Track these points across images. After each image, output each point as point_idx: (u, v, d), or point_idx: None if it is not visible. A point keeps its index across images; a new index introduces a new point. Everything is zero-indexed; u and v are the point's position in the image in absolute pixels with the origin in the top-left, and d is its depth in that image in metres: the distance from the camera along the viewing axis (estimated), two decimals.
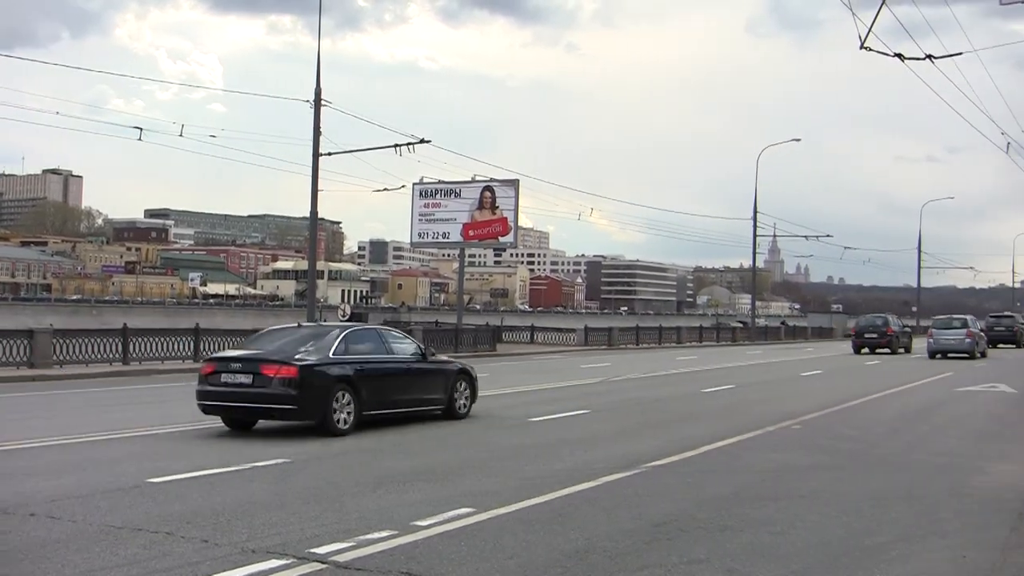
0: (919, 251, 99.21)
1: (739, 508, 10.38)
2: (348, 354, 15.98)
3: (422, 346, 18.53)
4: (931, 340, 48.19)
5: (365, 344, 16.72)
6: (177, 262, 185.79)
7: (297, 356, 15.27)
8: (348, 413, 15.45)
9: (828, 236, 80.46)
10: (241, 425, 15.86)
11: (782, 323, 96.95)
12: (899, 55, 20.56)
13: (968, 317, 52.18)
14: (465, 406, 18.27)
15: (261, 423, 16.06)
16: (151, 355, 32.05)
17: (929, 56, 21.52)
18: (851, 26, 20.80)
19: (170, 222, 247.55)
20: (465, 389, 18.40)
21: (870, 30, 18.95)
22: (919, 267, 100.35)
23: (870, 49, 19.12)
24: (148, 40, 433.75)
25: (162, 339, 33.14)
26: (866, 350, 50.68)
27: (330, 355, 15.66)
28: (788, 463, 13.59)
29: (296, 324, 18.32)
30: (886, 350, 50.80)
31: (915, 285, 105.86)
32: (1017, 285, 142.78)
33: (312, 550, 8.27)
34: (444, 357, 20.24)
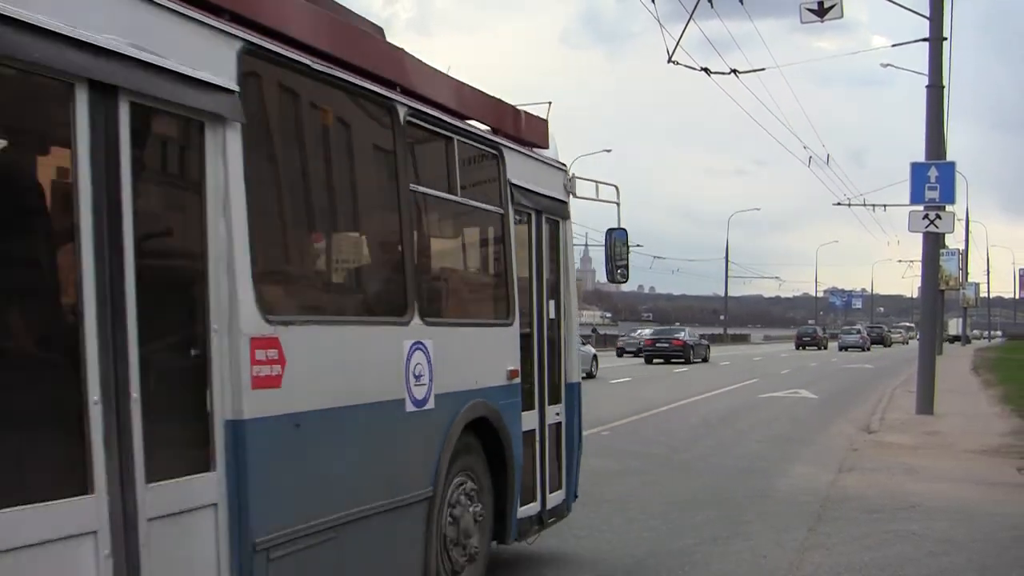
0: (727, 261, 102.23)
1: None
2: None
3: None
4: (840, 339, 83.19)
5: None
6: None
7: None
8: None
9: (638, 246, 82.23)
10: None
11: (593, 331, 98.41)
12: (705, 69, 20.97)
13: (860, 326, 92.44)
14: None
15: None
16: None
17: (734, 71, 22.04)
18: (661, 40, 21.26)
19: None
20: None
21: (678, 44, 19.22)
22: (727, 276, 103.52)
23: (677, 63, 19.44)
24: None
25: None
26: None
27: None
28: (597, 468, 13.57)
29: None
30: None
31: (723, 294, 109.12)
32: (820, 294, 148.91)
33: None
34: None
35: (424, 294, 6.56)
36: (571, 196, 9.02)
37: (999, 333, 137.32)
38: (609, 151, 75.62)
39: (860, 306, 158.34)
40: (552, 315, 8.54)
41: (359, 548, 5.65)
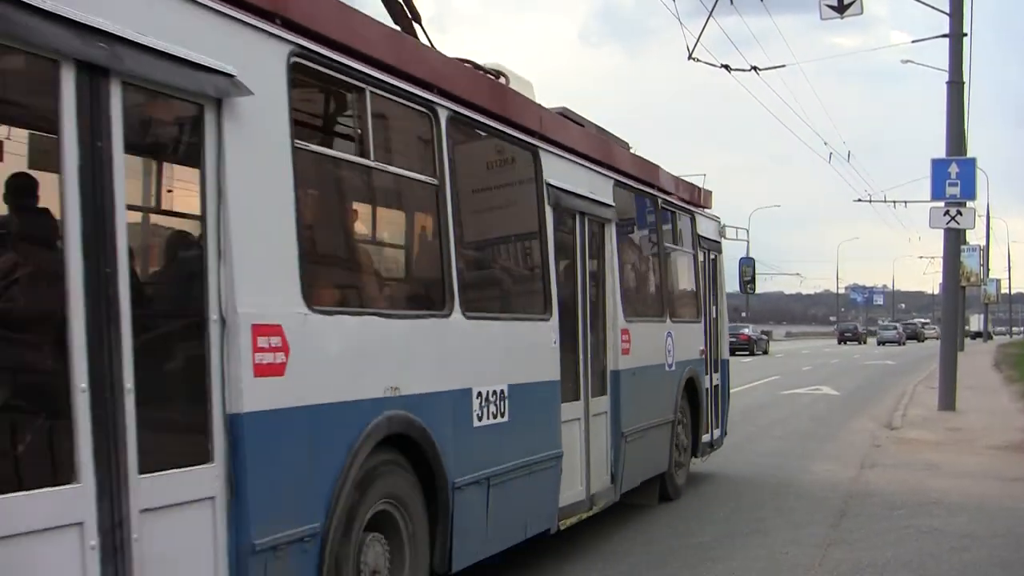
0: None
1: None
2: None
3: None
4: (879, 334, 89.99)
5: None
6: None
7: None
8: None
9: None
10: None
11: None
12: (725, 66, 20.99)
13: (898, 324, 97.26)
14: None
15: None
16: None
17: (754, 67, 22.04)
18: (680, 37, 21.26)
19: None
20: None
21: (698, 40, 19.28)
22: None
23: (698, 60, 19.47)
24: None
25: None
26: None
27: None
28: None
29: None
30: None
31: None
32: (841, 291, 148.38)
33: None
34: None
35: (672, 305, 11.43)
36: (723, 238, 14.03)
37: (1022, 329, 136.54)
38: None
39: (881, 302, 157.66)
40: (714, 316, 13.19)
41: (654, 441, 10.46)
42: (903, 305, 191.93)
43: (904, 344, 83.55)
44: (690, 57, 19.33)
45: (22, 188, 4.31)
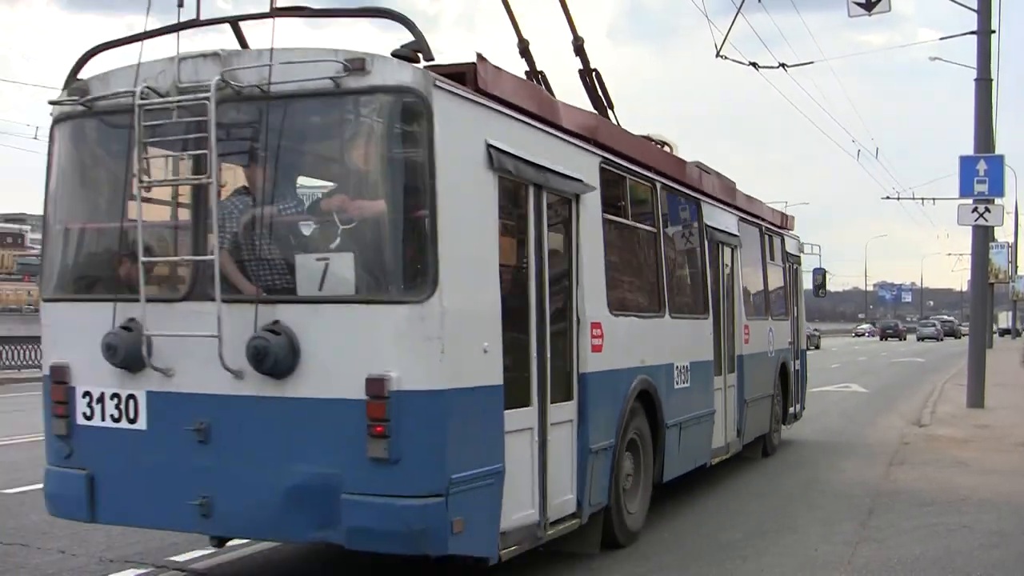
0: None
1: None
2: None
3: None
4: (919, 331, 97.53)
5: None
6: (34, 268, 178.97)
7: None
8: None
9: None
10: None
11: None
12: (753, 64, 21.06)
13: (936, 321, 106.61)
14: None
15: None
16: (7, 363, 31.12)
17: (782, 65, 22.12)
18: (708, 34, 21.39)
19: (26, 227, 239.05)
20: None
21: (725, 38, 19.45)
22: None
23: (726, 57, 19.56)
24: None
25: (19, 347, 32.07)
26: None
27: None
28: None
29: None
30: None
31: None
32: (870, 288, 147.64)
33: (171, 558, 8.20)
34: None
35: (771, 306, 14.72)
36: (801, 252, 17.68)
37: None
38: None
39: (910, 300, 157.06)
40: (796, 315, 16.47)
41: (762, 408, 13.88)
42: (931, 302, 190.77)
43: (942, 340, 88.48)
44: (718, 55, 19.42)
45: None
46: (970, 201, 19.75)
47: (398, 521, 5.91)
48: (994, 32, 20.87)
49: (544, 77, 9.27)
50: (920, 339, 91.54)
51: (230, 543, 8.37)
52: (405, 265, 6.14)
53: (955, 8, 21.35)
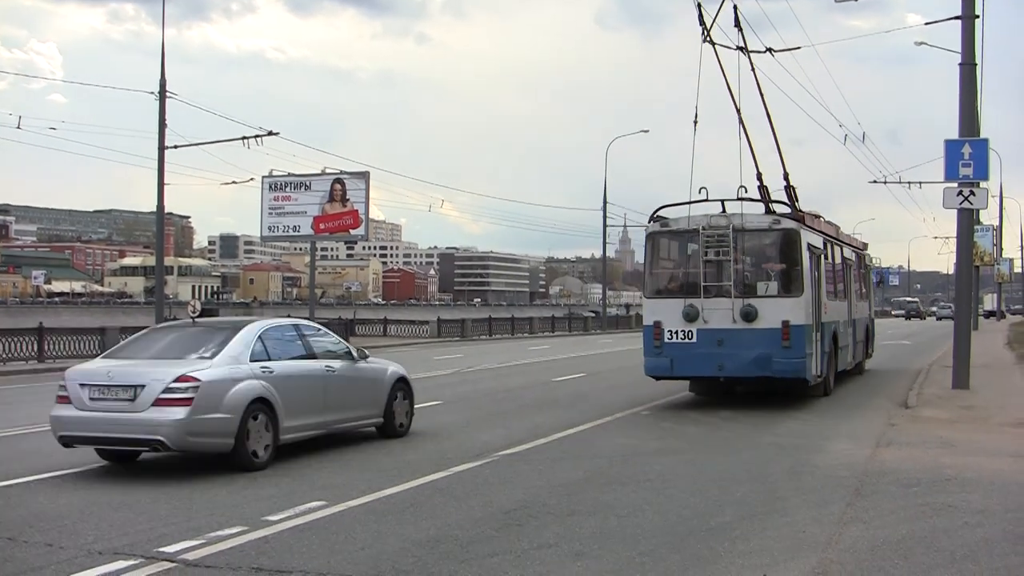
0: None
1: (589, 493, 10.60)
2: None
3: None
4: (936, 312, 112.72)
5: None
6: (19, 259, 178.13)
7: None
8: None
9: None
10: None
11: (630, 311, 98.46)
12: (741, 48, 21.12)
13: (951, 304, 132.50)
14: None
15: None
16: None
17: (769, 49, 22.16)
18: (695, 19, 21.29)
19: (10, 218, 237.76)
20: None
21: (713, 21, 19.46)
22: None
23: (713, 42, 19.58)
24: None
25: (3, 340, 31.90)
26: None
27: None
28: (637, 448, 13.91)
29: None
30: None
31: None
32: None
33: (161, 549, 8.18)
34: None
35: (867, 293, 28.74)
36: (872, 262, 31.02)
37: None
38: (647, 131, 74.73)
39: (897, 283, 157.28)
40: (870, 299, 29.64)
41: (860, 347, 26.87)
42: (919, 285, 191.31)
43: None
44: (705, 40, 19.46)
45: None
46: (955, 185, 19.84)
47: (791, 366, 18.04)
48: (978, 17, 20.94)
49: (795, 192, 20.41)
50: (939, 319, 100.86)
51: (224, 530, 8.62)
52: (792, 284, 18.32)
53: None
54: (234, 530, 8.78)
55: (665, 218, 19.26)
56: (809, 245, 18.67)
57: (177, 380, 11.40)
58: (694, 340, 18.14)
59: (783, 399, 19.36)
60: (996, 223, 74.17)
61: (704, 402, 20.04)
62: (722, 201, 19.11)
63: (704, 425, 16.45)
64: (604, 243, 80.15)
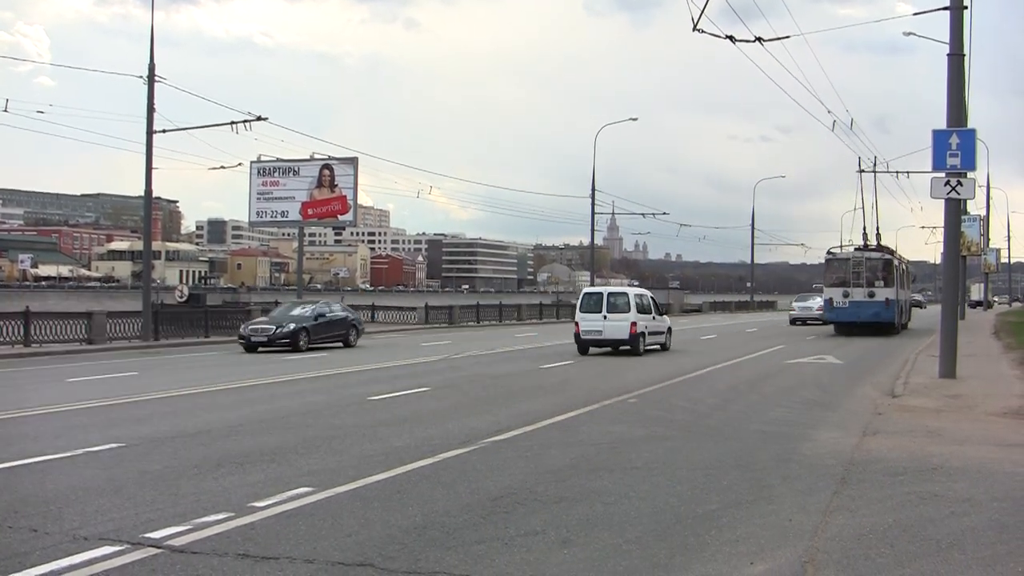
0: (752, 228, 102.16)
1: (575, 480, 10.59)
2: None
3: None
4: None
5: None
6: (6, 243, 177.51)
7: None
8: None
9: (665, 213, 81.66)
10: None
11: None
12: (730, 37, 21.11)
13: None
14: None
15: None
16: None
17: (759, 38, 22.17)
18: (686, 7, 21.24)
19: None
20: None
21: (703, 12, 19.47)
22: (752, 244, 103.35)
23: (702, 31, 19.58)
24: None
25: None
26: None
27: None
28: (624, 435, 13.91)
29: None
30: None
31: (749, 261, 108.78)
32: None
33: (147, 535, 8.14)
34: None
35: (909, 287, 59.45)
36: (907, 265, 58.16)
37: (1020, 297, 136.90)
38: (635, 119, 74.56)
39: None
40: (909, 290, 59.58)
41: (906, 314, 54.51)
42: None
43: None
44: (695, 28, 19.44)
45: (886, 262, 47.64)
46: (943, 174, 19.86)
47: (889, 317, 44.80)
48: (966, 8, 20.95)
49: (881, 237, 50.49)
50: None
51: (210, 516, 8.62)
52: (888, 281, 44.92)
53: None
54: (220, 516, 8.75)
55: (834, 252, 46.30)
56: (894, 264, 45.42)
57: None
58: (847, 306, 44.17)
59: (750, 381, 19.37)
60: (983, 213, 74.39)
61: (691, 390, 20.03)
62: (857, 247, 46.67)
63: (691, 413, 16.44)
64: (592, 230, 79.71)
